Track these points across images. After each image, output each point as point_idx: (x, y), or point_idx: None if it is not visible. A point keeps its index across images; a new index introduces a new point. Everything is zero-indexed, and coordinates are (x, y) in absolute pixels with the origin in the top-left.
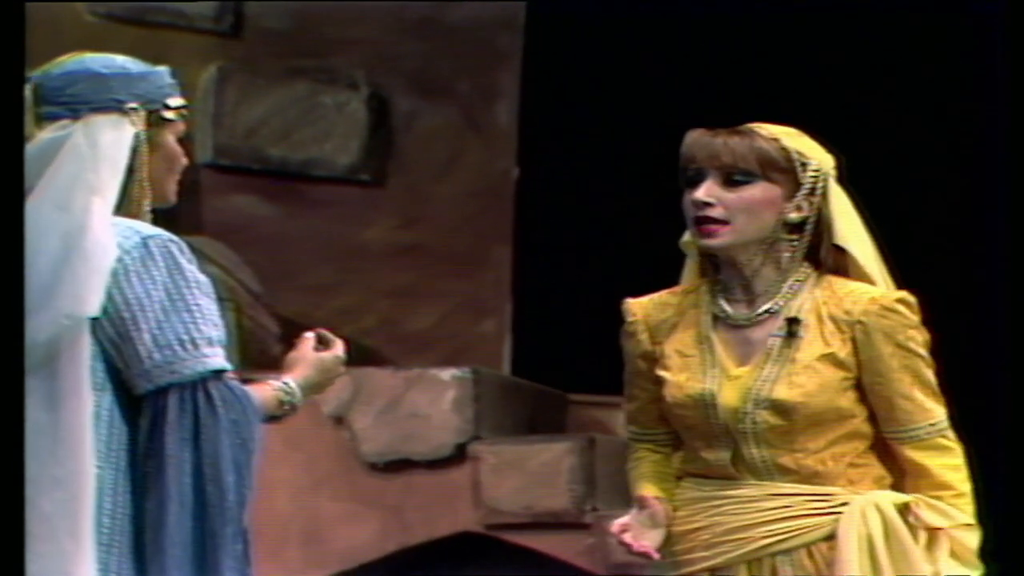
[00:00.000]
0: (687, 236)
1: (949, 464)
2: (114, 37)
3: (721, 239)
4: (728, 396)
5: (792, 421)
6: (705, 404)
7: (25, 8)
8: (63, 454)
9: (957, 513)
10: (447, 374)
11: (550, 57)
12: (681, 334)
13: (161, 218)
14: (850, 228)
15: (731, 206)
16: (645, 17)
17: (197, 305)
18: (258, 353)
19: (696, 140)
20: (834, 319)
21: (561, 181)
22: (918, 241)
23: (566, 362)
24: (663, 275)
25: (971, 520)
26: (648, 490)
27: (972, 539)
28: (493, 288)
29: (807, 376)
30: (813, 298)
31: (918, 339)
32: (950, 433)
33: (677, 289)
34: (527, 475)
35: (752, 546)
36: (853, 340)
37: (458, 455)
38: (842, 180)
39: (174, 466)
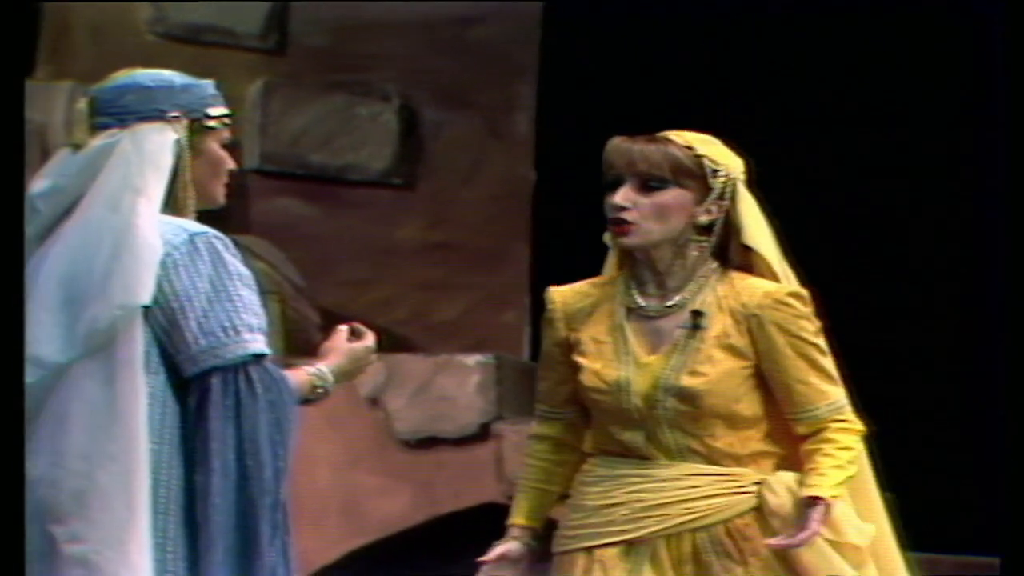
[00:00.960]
0: (607, 234)
1: (840, 433)
2: (171, 55)
3: (632, 239)
4: (640, 383)
5: (697, 407)
6: (620, 390)
7: (93, 27)
8: (118, 431)
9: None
10: (472, 360)
11: (565, 71)
12: (596, 322)
13: (212, 218)
14: (757, 229)
15: (644, 210)
16: (654, 32)
17: (239, 296)
18: (301, 341)
19: (615, 148)
20: (732, 312)
21: (574, 184)
22: (917, 241)
23: None
24: None
25: (836, 482)
26: (519, 519)
27: (842, 507)
28: (513, 282)
29: (709, 365)
30: (716, 293)
31: (810, 329)
32: (847, 411)
33: (597, 279)
34: None
35: (671, 522)
36: (749, 331)
37: (482, 433)
38: (751, 184)
39: (218, 441)
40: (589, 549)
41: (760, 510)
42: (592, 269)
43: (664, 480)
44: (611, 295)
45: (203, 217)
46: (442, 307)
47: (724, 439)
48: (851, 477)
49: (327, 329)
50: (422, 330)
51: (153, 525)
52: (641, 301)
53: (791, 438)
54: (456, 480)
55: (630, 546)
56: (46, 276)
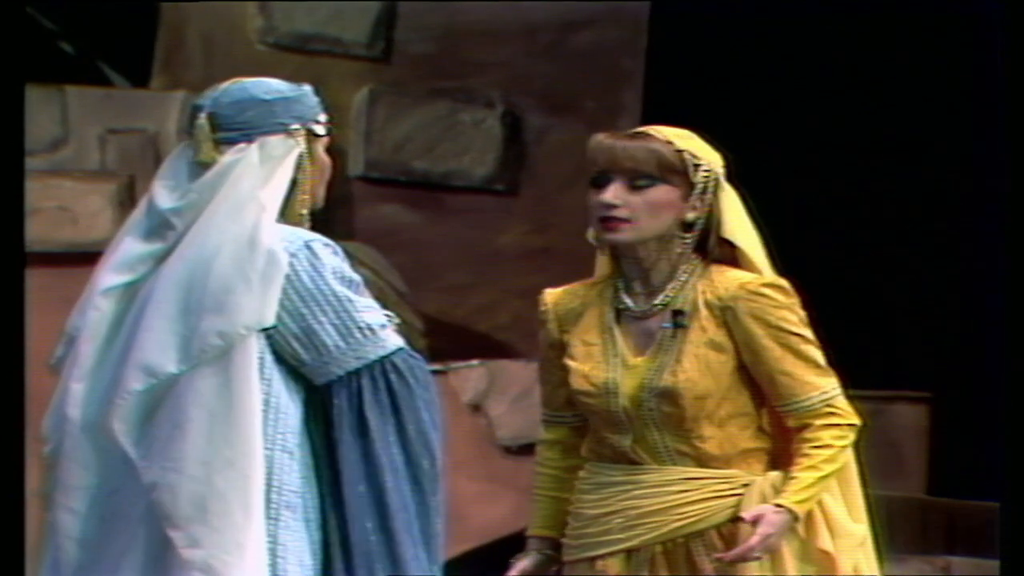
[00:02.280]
0: (591, 232)
1: (825, 430)
2: (280, 63)
3: (623, 235)
4: (627, 385)
5: (681, 408)
6: (608, 392)
7: (205, 37)
8: (236, 437)
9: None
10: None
11: (669, 78)
12: (586, 324)
13: (317, 225)
14: (738, 223)
15: (636, 208)
16: (759, 37)
17: (360, 298)
18: None
19: (598, 145)
20: (709, 305)
21: None
22: (915, 240)
23: None
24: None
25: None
26: (536, 530)
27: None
28: None
29: (690, 363)
30: (696, 289)
31: (791, 319)
32: (839, 403)
33: (588, 281)
34: None
35: (666, 528)
36: (725, 323)
37: None
38: (731, 177)
39: (380, 438)
40: (591, 559)
41: None
42: None
43: (656, 486)
44: (600, 296)
45: (311, 224)
46: None
47: (712, 440)
48: (825, 477)
49: (430, 335)
50: (524, 336)
51: (266, 531)
52: (628, 301)
53: (783, 432)
54: None
55: (629, 554)
56: (164, 283)
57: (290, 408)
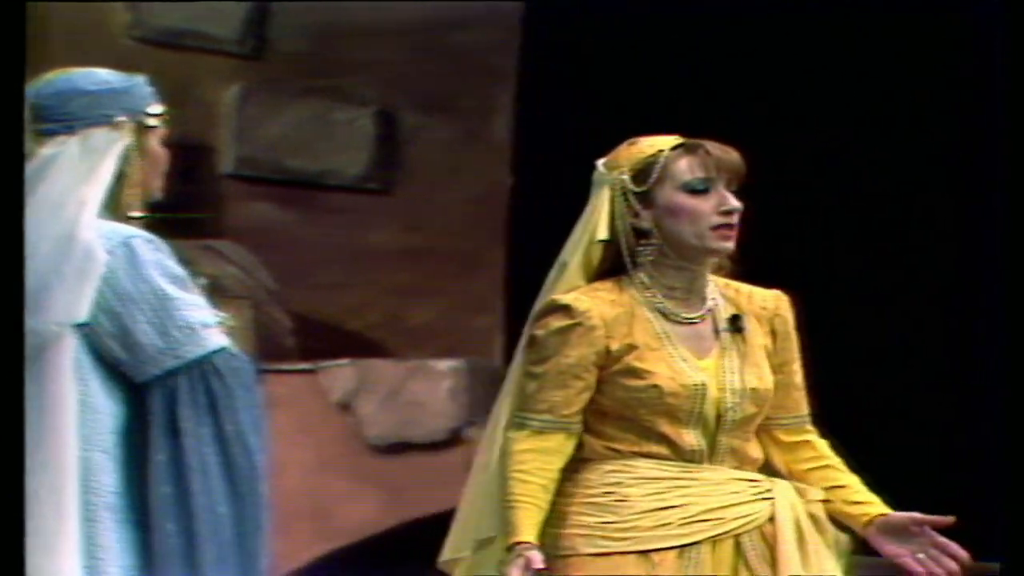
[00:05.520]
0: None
1: (826, 447)
2: (149, 59)
3: (733, 242)
4: (712, 386)
5: (761, 409)
6: (697, 394)
7: (71, 31)
8: (48, 440)
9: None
10: (444, 365)
11: (544, 75)
12: (641, 328)
13: (186, 221)
14: None
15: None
16: (632, 36)
17: (183, 296)
18: (273, 346)
19: (708, 153)
20: (755, 315)
21: (551, 189)
22: (915, 240)
23: None
24: None
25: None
26: (529, 536)
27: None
28: (488, 287)
29: (761, 367)
30: (725, 297)
31: None
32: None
33: (600, 286)
34: None
35: (725, 527)
36: (773, 333)
37: (453, 439)
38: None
39: (192, 439)
40: (644, 553)
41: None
42: None
43: (713, 484)
44: (634, 302)
45: (177, 222)
46: (416, 312)
47: (754, 443)
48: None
49: (300, 334)
50: (395, 335)
51: (82, 532)
52: (674, 307)
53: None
54: (426, 485)
55: (683, 550)
56: None
57: (109, 408)
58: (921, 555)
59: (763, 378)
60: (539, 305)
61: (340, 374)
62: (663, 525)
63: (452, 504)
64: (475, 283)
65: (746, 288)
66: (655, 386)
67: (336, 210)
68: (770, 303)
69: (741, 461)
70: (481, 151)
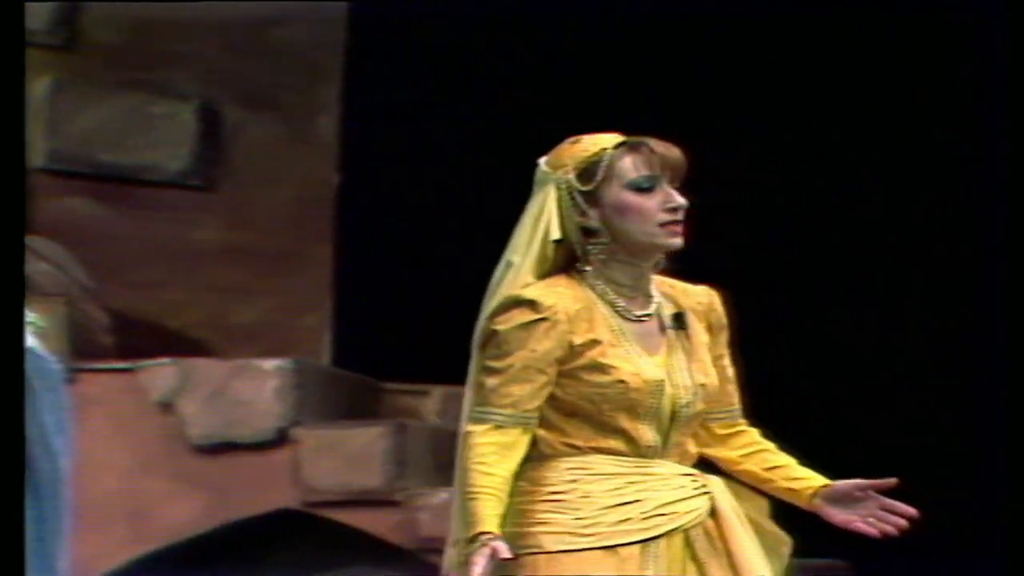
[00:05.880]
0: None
1: (758, 435)
2: None
3: (682, 238)
4: (667, 383)
5: (707, 404)
6: (657, 390)
7: None
8: None
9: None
10: (270, 364)
11: (369, 74)
12: (599, 324)
13: None
14: None
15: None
16: (459, 35)
17: None
18: (88, 344)
19: (652, 149)
20: (693, 311)
21: (377, 188)
22: (915, 241)
23: (381, 354)
24: (473, 276)
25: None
26: (491, 527)
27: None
28: (315, 285)
29: (705, 363)
30: (664, 293)
31: None
32: None
33: (553, 282)
34: (343, 457)
35: (680, 522)
36: (709, 328)
37: (280, 439)
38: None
39: None
40: (611, 548)
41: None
42: (395, 272)
43: (663, 479)
44: (589, 298)
45: None
46: (241, 311)
47: (691, 438)
48: None
49: (118, 332)
50: (219, 334)
51: None
52: (624, 304)
53: None
54: (252, 486)
55: (644, 545)
56: None
57: None
58: (871, 518)
59: (709, 374)
60: (496, 301)
61: (160, 373)
62: (625, 520)
63: (278, 505)
64: (301, 282)
65: (680, 284)
66: (621, 381)
67: (155, 206)
68: (704, 298)
69: (683, 456)
70: (307, 149)
